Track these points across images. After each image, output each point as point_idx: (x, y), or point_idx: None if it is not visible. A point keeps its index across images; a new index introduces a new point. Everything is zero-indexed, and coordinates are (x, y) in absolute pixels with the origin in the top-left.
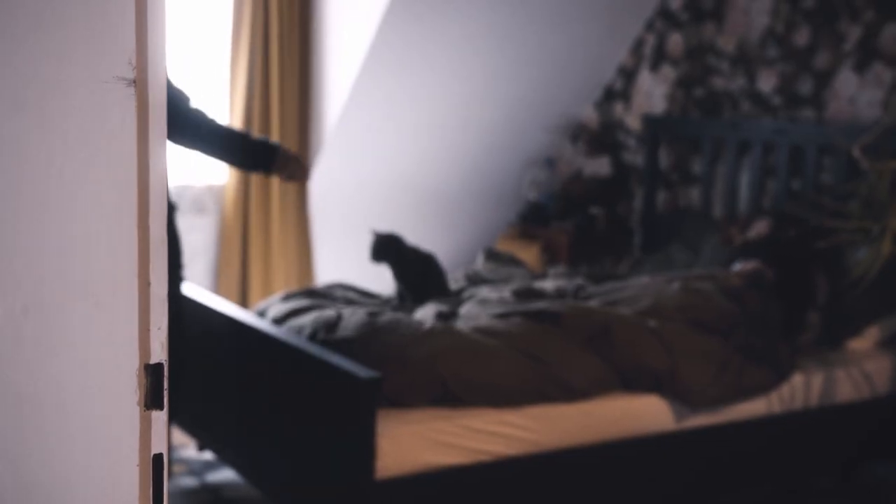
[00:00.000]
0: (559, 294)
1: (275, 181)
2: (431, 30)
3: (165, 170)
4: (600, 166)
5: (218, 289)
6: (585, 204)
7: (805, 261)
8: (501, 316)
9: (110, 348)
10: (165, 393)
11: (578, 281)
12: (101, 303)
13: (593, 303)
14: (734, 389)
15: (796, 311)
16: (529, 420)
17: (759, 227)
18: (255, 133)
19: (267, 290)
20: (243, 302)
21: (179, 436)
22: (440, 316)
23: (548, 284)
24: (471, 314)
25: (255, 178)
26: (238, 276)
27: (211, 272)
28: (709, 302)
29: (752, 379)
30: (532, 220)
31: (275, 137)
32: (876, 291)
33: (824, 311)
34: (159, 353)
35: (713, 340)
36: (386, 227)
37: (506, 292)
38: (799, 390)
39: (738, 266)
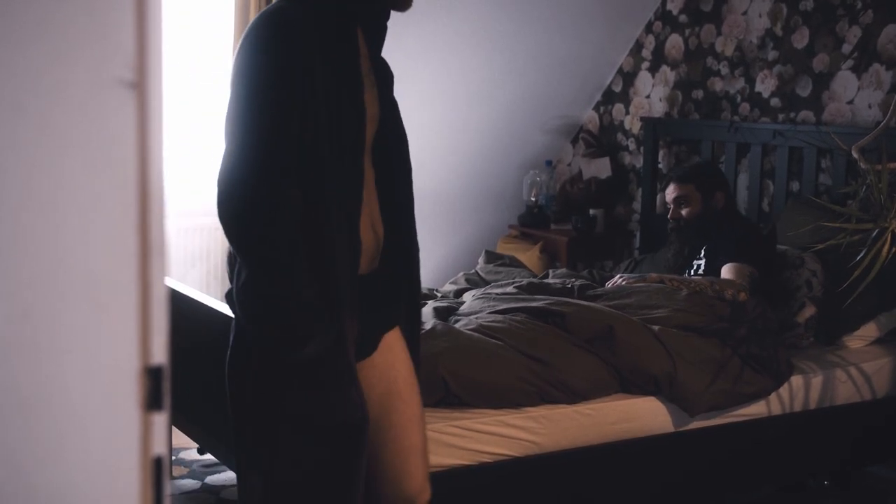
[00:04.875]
0: (564, 289)
1: None
2: (429, 32)
3: (163, 172)
4: (600, 168)
5: (222, 293)
6: (585, 206)
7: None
8: (504, 311)
9: (111, 350)
10: (166, 395)
11: (583, 278)
12: (101, 305)
13: (599, 303)
14: (731, 396)
15: (783, 308)
16: (530, 421)
17: (688, 205)
18: None
19: None
20: None
21: (180, 438)
22: (438, 311)
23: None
24: (473, 309)
25: None
26: None
27: (215, 275)
28: (712, 308)
29: (751, 386)
30: (531, 222)
31: None
32: (872, 289)
33: (820, 308)
34: (160, 354)
35: (713, 346)
36: None
37: (510, 287)
38: (798, 392)
39: (726, 266)
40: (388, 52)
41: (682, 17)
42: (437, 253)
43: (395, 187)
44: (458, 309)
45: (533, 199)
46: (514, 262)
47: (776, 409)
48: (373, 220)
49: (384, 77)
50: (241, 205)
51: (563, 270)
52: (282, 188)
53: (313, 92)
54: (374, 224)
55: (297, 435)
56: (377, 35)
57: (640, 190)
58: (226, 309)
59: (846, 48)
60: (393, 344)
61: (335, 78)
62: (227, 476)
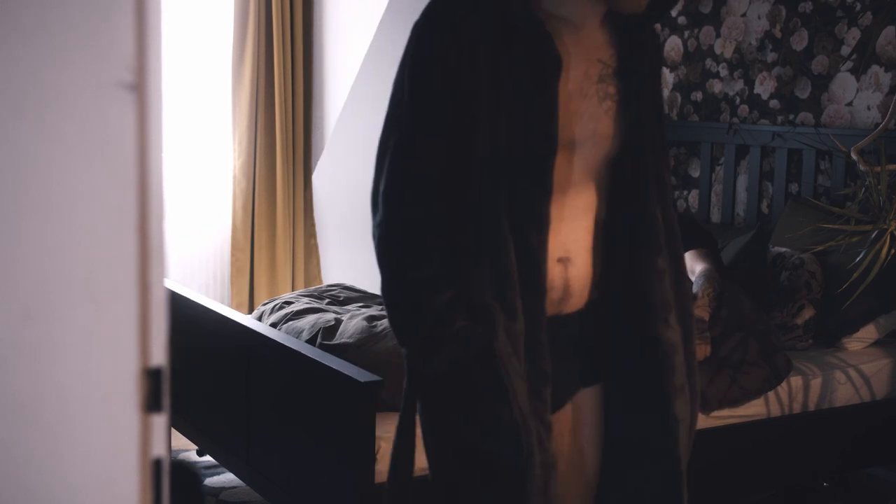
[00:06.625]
0: None
1: (279, 183)
2: None
3: (163, 174)
4: None
5: (230, 296)
6: None
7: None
8: None
9: (111, 352)
10: (165, 396)
11: None
12: (101, 306)
13: None
14: (730, 396)
15: (782, 310)
16: None
17: None
18: (260, 134)
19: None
20: (251, 308)
21: (179, 440)
22: None
23: None
24: None
25: (259, 183)
26: (246, 283)
27: (214, 276)
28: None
29: (751, 385)
30: None
31: (279, 140)
32: (871, 291)
33: (819, 310)
34: (159, 356)
35: (711, 345)
36: None
37: None
38: (797, 393)
39: (689, 254)
40: (391, 51)
41: (682, 19)
42: None
43: (619, 218)
44: None
45: None
46: None
47: (775, 411)
48: (567, 251)
49: (635, 89)
50: (386, 220)
51: None
52: (431, 208)
53: (475, 104)
54: (575, 258)
55: (449, 457)
56: (632, 43)
57: None
58: (225, 311)
59: (845, 50)
60: (575, 408)
61: (516, 84)
62: (227, 478)
